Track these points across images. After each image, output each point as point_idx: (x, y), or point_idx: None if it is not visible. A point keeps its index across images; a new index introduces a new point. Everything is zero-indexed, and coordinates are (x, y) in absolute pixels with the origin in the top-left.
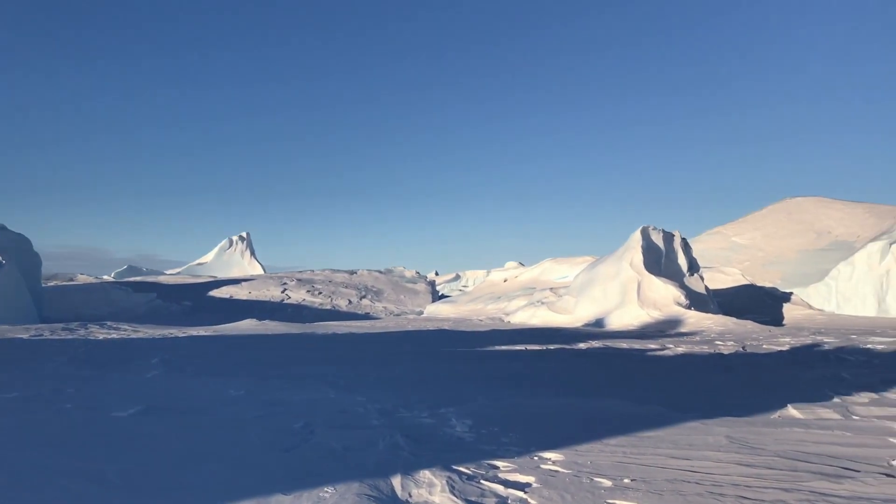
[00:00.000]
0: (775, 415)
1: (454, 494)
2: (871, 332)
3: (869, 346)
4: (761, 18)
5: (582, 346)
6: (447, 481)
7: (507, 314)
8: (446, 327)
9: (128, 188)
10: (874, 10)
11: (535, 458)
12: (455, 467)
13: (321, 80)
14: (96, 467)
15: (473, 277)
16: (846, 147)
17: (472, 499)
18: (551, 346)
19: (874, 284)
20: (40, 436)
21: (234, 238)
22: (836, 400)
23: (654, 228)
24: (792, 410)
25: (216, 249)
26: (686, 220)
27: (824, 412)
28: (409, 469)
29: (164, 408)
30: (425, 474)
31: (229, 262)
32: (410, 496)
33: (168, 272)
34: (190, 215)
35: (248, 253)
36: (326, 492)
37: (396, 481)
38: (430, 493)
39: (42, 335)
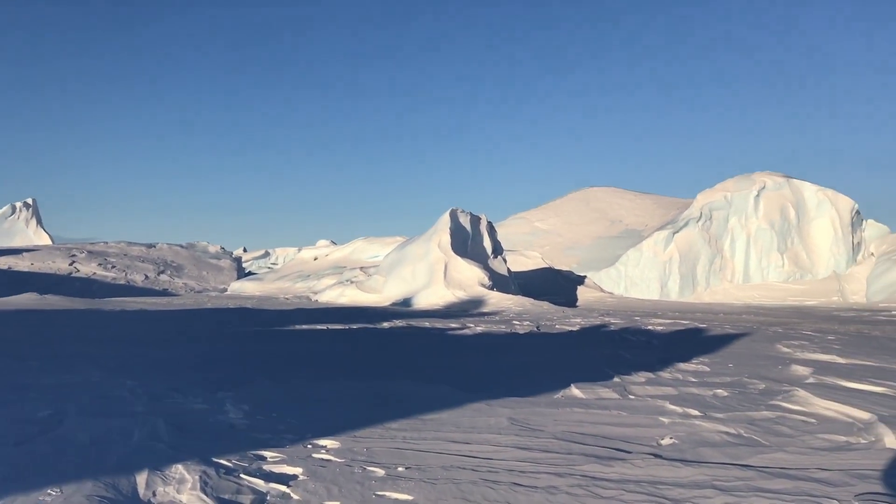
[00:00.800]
0: (559, 394)
1: (205, 492)
2: (653, 314)
3: (650, 327)
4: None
5: (386, 325)
6: (201, 476)
7: (316, 293)
8: (249, 305)
9: None
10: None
11: (309, 446)
12: (216, 460)
13: (114, 30)
14: None
15: (284, 255)
16: (638, 142)
17: (226, 497)
18: (355, 326)
19: (658, 270)
20: None
21: (18, 205)
22: (615, 379)
23: (462, 211)
24: (574, 390)
25: None
26: (492, 205)
27: (604, 392)
28: (160, 463)
29: None
30: (178, 469)
31: (11, 231)
32: (154, 495)
33: None
34: None
35: (33, 221)
36: (50, 494)
37: (142, 478)
38: (177, 492)
39: None
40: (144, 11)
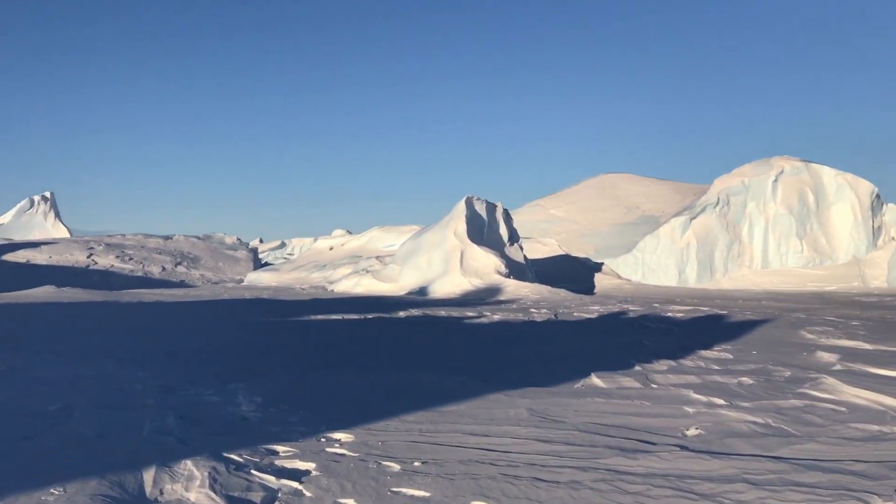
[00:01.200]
0: (579, 384)
1: (214, 490)
2: (671, 300)
3: (669, 314)
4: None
5: (401, 314)
6: (210, 473)
7: (332, 283)
8: (265, 296)
9: None
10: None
11: (323, 439)
12: (226, 454)
13: (127, 23)
14: None
15: (300, 245)
16: (654, 128)
17: (235, 494)
18: (370, 315)
19: (676, 256)
20: None
21: (37, 198)
22: (637, 368)
23: (478, 199)
24: (595, 379)
25: (14, 210)
26: (508, 193)
27: (626, 381)
28: (169, 459)
29: None
30: (187, 465)
31: (30, 225)
32: (161, 493)
33: None
34: None
35: (52, 214)
36: (52, 493)
37: (149, 475)
38: (185, 490)
39: None
40: (158, 3)
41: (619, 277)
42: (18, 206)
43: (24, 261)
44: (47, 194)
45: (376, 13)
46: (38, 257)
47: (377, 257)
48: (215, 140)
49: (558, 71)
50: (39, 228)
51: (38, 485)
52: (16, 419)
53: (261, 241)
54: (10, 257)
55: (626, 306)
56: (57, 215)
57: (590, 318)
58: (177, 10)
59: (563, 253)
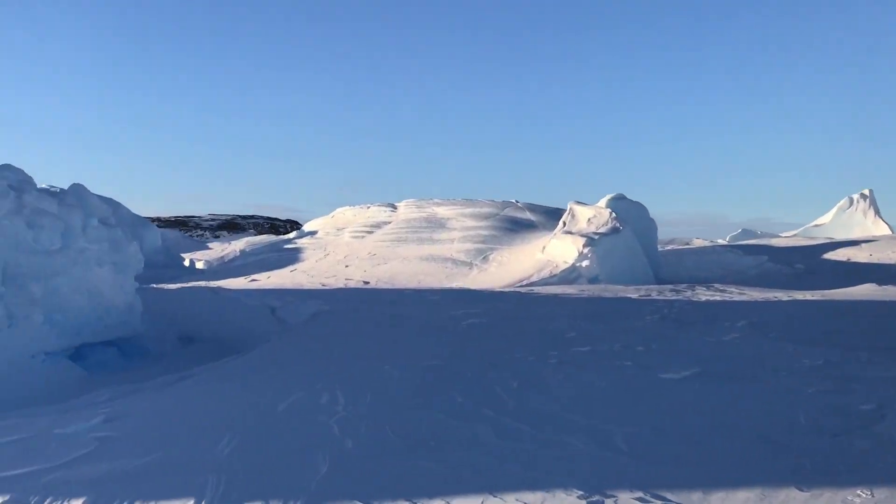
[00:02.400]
0: None
1: None
2: None
3: None
4: None
5: None
6: None
7: None
8: None
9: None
10: None
11: None
12: None
13: None
14: (608, 429)
15: None
16: None
17: None
18: None
19: None
20: (588, 391)
21: (855, 196)
22: None
23: None
24: None
25: (834, 209)
26: None
27: None
28: None
29: (719, 373)
30: None
31: (849, 223)
32: None
33: (783, 234)
34: (808, 177)
35: (871, 212)
36: (859, 495)
37: None
38: None
39: (649, 295)
40: None
41: None
42: (838, 205)
43: (844, 259)
44: (866, 192)
45: None
46: (859, 255)
47: None
48: None
49: None
50: (859, 226)
51: (845, 483)
52: (827, 415)
53: None
54: (830, 255)
55: None
56: (877, 212)
57: None
58: None
59: None
